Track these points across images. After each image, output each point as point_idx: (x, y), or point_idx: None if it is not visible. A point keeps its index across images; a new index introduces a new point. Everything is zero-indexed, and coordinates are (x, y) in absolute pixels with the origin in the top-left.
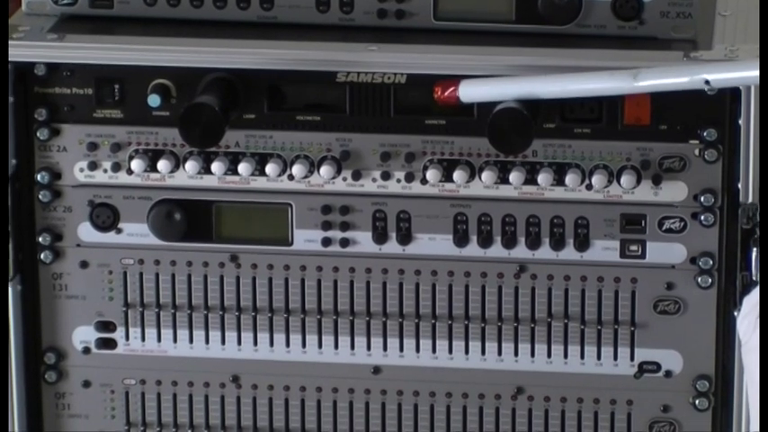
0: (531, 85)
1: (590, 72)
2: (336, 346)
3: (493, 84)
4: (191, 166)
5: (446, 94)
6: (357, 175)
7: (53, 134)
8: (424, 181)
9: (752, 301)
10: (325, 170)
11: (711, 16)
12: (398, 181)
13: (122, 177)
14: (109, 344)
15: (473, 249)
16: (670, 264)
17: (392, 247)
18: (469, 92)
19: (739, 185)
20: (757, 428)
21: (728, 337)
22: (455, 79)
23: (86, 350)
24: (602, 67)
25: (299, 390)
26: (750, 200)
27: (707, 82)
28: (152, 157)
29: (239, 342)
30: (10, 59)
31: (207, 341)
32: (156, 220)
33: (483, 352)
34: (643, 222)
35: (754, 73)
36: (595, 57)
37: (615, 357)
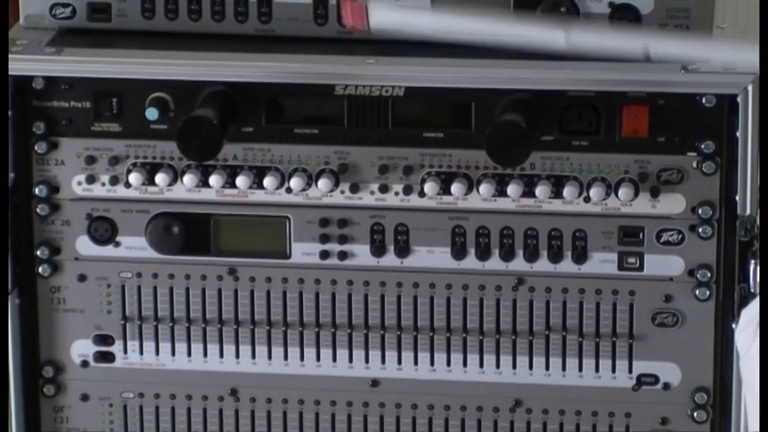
0: (446, 20)
1: (519, 20)
2: (335, 359)
3: (405, 13)
4: (189, 179)
5: (356, 18)
6: (355, 188)
7: (51, 148)
8: (422, 194)
9: (750, 313)
10: (324, 183)
11: (709, 28)
12: (396, 194)
13: (120, 191)
14: (107, 357)
15: (471, 262)
16: (668, 276)
17: (390, 259)
18: (380, 17)
19: (737, 198)
20: None
21: (727, 350)
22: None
23: (84, 363)
24: (598, 80)
25: (298, 403)
26: (748, 212)
27: (647, 57)
28: (150, 171)
29: (237, 355)
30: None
31: (205, 354)
32: (154, 233)
33: (481, 365)
34: (641, 235)
35: (696, 50)
36: (592, 68)
37: (613, 370)
